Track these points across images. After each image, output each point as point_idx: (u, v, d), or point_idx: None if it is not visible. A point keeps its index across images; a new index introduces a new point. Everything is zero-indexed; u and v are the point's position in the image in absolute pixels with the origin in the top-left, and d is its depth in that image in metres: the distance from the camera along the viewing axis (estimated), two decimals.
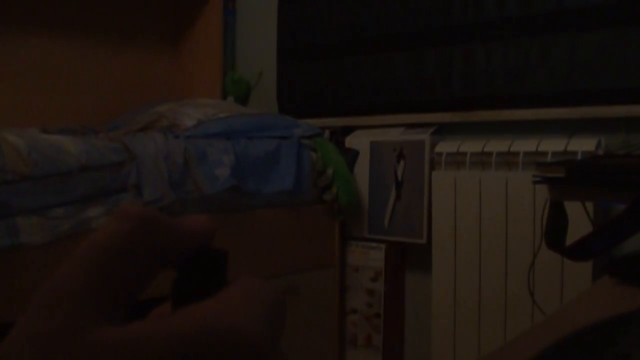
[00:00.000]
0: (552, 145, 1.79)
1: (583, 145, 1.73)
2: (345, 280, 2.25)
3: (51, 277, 0.20)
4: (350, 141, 2.25)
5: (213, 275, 0.23)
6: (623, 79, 1.77)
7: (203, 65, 2.67)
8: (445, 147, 1.99)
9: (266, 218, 1.97)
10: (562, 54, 1.87)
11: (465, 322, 1.93)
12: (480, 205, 1.89)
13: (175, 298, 0.23)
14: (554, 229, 1.04)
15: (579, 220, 1.21)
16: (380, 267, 2.16)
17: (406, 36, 2.21)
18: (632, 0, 1.75)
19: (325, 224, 2.17)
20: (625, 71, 1.76)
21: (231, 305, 0.21)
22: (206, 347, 0.19)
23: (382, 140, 2.16)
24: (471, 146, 1.93)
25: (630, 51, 1.75)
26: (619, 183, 0.97)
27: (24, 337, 0.19)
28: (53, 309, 0.19)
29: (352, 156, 2.21)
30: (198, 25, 2.69)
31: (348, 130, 2.29)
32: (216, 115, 2.03)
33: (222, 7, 2.64)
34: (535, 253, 1.67)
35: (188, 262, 0.23)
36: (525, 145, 1.84)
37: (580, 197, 1.16)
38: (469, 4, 2.05)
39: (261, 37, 2.66)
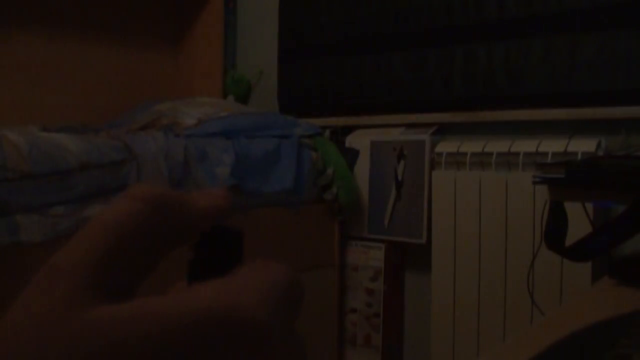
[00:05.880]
0: (552, 145, 1.79)
1: (583, 146, 1.73)
2: (345, 279, 2.25)
3: (54, 255, 0.20)
4: (351, 141, 2.25)
5: (229, 256, 0.23)
6: (623, 80, 1.77)
7: (204, 64, 2.67)
8: (446, 147, 1.99)
9: (266, 217, 1.97)
10: (562, 55, 1.87)
11: (465, 322, 1.93)
12: (480, 205, 1.89)
13: (190, 278, 0.23)
14: (554, 230, 1.04)
15: (579, 220, 1.21)
16: (380, 267, 2.16)
17: (406, 36, 2.21)
18: (632, 0, 1.75)
19: (325, 223, 2.17)
20: (626, 72, 1.76)
21: (236, 285, 0.20)
22: (202, 326, 0.18)
23: (382, 140, 2.16)
24: (471, 146, 1.93)
25: (631, 52, 1.75)
26: (619, 184, 0.97)
27: (23, 314, 0.19)
28: (52, 286, 0.19)
29: (352, 156, 2.21)
30: (199, 24, 2.69)
31: (348, 129, 2.29)
32: (217, 114, 2.03)
33: (223, 6, 2.64)
34: (535, 253, 1.67)
35: (204, 241, 0.23)
36: (525, 145, 1.84)
37: (580, 198, 1.16)
38: (470, 4, 2.05)
39: (262, 36, 2.66)
